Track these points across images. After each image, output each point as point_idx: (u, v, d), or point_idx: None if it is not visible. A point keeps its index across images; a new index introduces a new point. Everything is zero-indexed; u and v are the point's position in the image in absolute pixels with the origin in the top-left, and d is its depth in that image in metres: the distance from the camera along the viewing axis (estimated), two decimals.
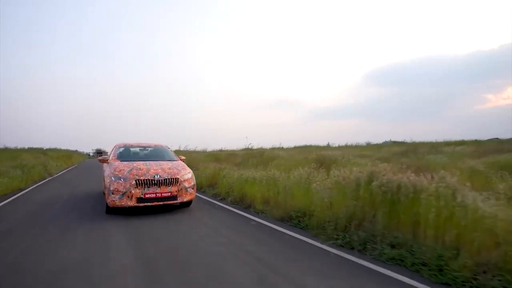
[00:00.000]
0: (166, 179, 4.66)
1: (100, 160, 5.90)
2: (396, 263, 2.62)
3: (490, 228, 2.35)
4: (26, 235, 3.65)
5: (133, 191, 4.44)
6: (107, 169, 5.15)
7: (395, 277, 2.38)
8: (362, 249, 2.96)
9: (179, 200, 4.76)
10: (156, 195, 4.55)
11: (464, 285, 2.17)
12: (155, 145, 6.44)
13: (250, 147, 12.92)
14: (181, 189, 4.77)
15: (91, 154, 26.10)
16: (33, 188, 8.03)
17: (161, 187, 4.61)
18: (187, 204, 5.19)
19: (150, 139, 6.85)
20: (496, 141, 16.94)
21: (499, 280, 2.09)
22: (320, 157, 8.45)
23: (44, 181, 9.88)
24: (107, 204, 4.62)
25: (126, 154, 5.85)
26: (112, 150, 6.15)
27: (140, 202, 4.48)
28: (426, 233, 2.76)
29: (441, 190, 2.78)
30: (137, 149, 6.26)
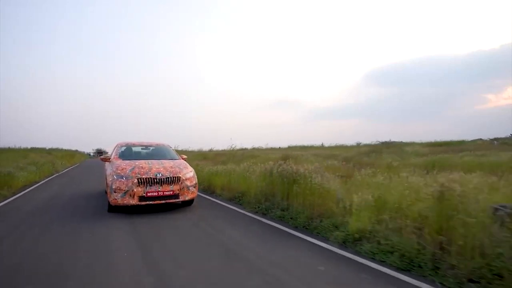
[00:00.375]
0: (168, 177, 4.66)
1: (102, 159, 5.90)
2: (280, 219, 4.35)
3: (323, 194, 4.15)
4: (51, 209, 5.23)
5: (135, 190, 4.44)
6: (109, 168, 5.16)
7: (274, 225, 4.13)
8: (265, 213, 4.71)
9: (181, 198, 4.77)
10: (158, 193, 4.55)
11: (304, 226, 3.90)
12: (157, 144, 6.44)
13: (233, 147, 14.18)
14: (183, 188, 4.77)
15: (91, 154, 26.83)
16: (46, 181, 9.55)
17: (163, 186, 4.61)
18: (189, 202, 5.19)
19: (150, 139, 6.86)
20: (473, 142, 18.60)
21: (321, 222, 3.78)
22: (284, 156, 10.04)
23: (53, 176, 11.20)
24: (109, 202, 4.62)
25: (128, 153, 5.86)
26: (114, 149, 6.15)
27: (142, 201, 4.49)
28: (298, 201, 4.45)
29: (307, 174, 4.52)
30: (139, 148, 6.27)
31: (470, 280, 2.21)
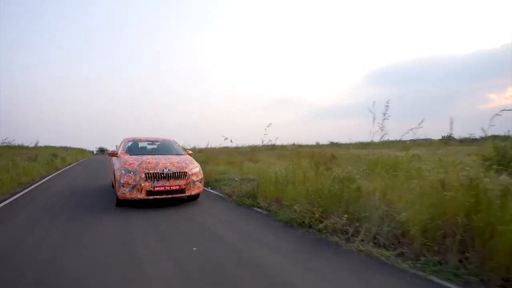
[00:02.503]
0: (175, 172, 4.74)
1: (109, 154, 6.00)
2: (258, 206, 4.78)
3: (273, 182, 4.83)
4: (79, 179, 8.80)
5: (142, 184, 4.53)
6: (116, 163, 5.24)
7: (250, 211, 4.71)
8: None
9: (187, 193, 4.85)
10: (165, 188, 4.64)
11: (266, 208, 4.55)
12: (163, 139, 6.52)
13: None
14: (189, 183, 4.85)
15: (94, 152, 29.68)
16: (77, 163, 18.03)
17: (170, 181, 4.69)
18: (195, 197, 5.28)
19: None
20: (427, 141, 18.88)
21: (275, 205, 4.47)
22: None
23: (78, 161, 19.69)
24: (117, 197, 4.72)
25: (135, 148, 5.95)
26: (121, 144, 6.23)
27: (149, 195, 4.57)
28: (267, 193, 4.87)
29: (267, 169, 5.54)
30: (145, 143, 6.35)
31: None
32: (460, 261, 2.31)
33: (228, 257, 2.66)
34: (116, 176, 4.87)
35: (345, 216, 3.22)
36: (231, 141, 7.32)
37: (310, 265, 2.49)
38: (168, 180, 4.68)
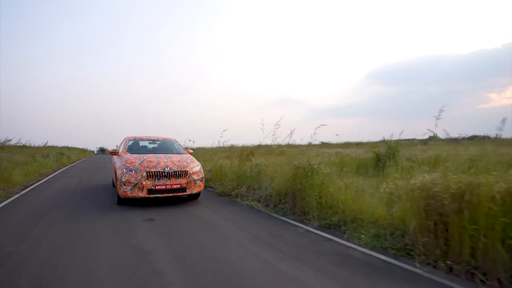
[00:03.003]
0: (176, 171, 4.77)
1: (110, 153, 6.01)
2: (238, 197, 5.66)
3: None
4: (83, 172, 11.17)
5: (144, 183, 4.56)
6: (118, 162, 5.27)
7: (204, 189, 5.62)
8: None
9: (188, 192, 4.88)
10: (166, 187, 4.67)
11: (211, 186, 6.71)
12: (164, 138, 6.54)
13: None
14: (190, 181, 4.88)
15: (95, 151, 31.01)
16: (81, 160, 20.27)
17: (171, 179, 4.72)
18: (196, 196, 5.31)
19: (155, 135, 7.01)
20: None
21: (217, 184, 6.67)
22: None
23: (83, 159, 21.65)
24: (118, 195, 4.75)
25: (136, 147, 5.98)
26: (122, 143, 6.25)
27: (151, 194, 4.60)
28: (215, 178, 6.82)
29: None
30: (146, 142, 6.38)
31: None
32: (292, 208, 4.48)
33: (182, 213, 4.46)
34: (117, 175, 4.89)
35: (245, 187, 5.68)
36: (194, 142, 9.04)
37: (220, 211, 4.71)
38: (169, 178, 4.71)
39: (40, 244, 2.99)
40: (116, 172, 5.13)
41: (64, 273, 2.32)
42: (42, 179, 8.62)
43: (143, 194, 4.56)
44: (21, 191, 6.40)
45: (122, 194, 4.59)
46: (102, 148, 30.99)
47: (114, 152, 5.83)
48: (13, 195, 5.80)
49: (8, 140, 13.58)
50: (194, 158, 5.66)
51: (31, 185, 7.37)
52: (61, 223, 3.79)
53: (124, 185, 4.57)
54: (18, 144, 15.06)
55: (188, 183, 4.85)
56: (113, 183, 6.10)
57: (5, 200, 5.35)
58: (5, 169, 6.88)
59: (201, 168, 5.37)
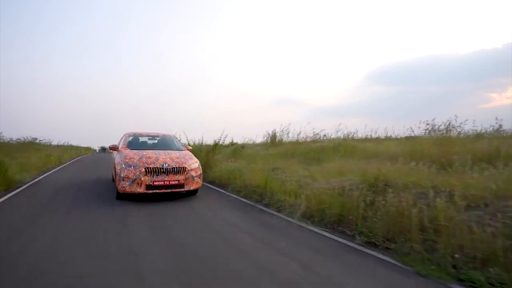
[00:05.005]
0: (174, 167, 4.83)
1: (110, 148, 6.08)
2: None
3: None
4: (88, 163, 14.41)
5: (142, 179, 4.62)
6: (117, 157, 5.33)
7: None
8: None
9: (186, 188, 4.94)
10: (164, 182, 4.72)
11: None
12: (163, 135, 6.59)
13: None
14: (188, 178, 4.93)
15: (97, 150, 32.82)
16: (85, 156, 21.16)
17: (169, 175, 4.78)
18: (194, 192, 5.37)
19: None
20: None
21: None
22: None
23: (87, 155, 22.86)
24: (117, 190, 4.82)
25: (136, 142, 6.03)
26: (122, 139, 6.30)
27: (149, 189, 4.66)
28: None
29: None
30: (146, 138, 6.42)
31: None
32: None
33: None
34: (116, 170, 4.96)
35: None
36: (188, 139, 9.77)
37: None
38: (167, 175, 4.77)
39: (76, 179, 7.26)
40: (115, 168, 5.20)
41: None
42: (60, 165, 12.42)
43: (141, 189, 4.63)
44: (61, 165, 12.33)
45: (121, 189, 4.66)
46: (104, 147, 32.98)
47: (114, 148, 5.89)
48: (59, 166, 11.88)
49: (36, 139, 18.10)
50: (193, 155, 5.72)
51: (66, 162, 13.94)
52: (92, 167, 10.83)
53: (123, 180, 4.63)
54: (26, 140, 16.97)
55: (186, 179, 4.91)
56: (113, 178, 6.17)
57: (58, 166, 11.65)
58: (50, 155, 12.71)
59: (200, 164, 5.43)
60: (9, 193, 5.40)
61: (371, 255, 2.70)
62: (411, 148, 5.69)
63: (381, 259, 2.61)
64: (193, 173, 5.04)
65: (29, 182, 6.83)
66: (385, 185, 3.70)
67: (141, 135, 6.37)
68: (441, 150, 4.94)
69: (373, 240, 2.93)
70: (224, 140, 9.32)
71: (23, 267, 2.29)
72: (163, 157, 5.00)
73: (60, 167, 11.27)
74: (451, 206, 2.71)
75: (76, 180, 7.30)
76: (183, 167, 4.90)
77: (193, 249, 2.79)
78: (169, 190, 4.81)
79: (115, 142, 6.45)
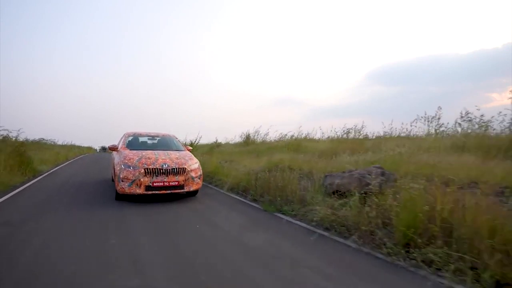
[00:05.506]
0: (174, 168, 4.77)
1: (110, 148, 6.03)
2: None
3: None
4: (90, 159, 16.66)
5: (142, 179, 4.57)
6: (116, 157, 5.28)
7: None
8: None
9: (185, 189, 4.89)
10: (164, 183, 4.67)
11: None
12: (163, 135, 6.54)
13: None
14: (188, 179, 4.88)
15: (97, 150, 33.67)
16: (87, 155, 22.67)
17: (169, 176, 4.73)
18: (193, 193, 5.32)
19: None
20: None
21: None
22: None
23: (88, 154, 24.85)
24: (116, 191, 4.77)
25: (135, 143, 5.97)
26: (122, 139, 6.25)
27: (148, 190, 4.61)
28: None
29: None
30: (146, 138, 6.36)
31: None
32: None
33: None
34: (116, 171, 4.91)
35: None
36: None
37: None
38: (167, 175, 4.72)
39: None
40: (114, 168, 5.16)
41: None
42: (67, 160, 14.77)
43: (141, 190, 4.58)
44: (68, 161, 14.61)
45: (120, 190, 4.61)
46: (104, 147, 34.04)
47: (113, 148, 5.85)
48: (67, 161, 14.19)
49: (43, 139, 20.06)
50: (193, 155, 5.66)
51: (72, 159, 16.23)
52: (94, 162, 13.68)
53: (122, 181, 4.58)
54: (34, 141, 18.45)
55: (186, 180, 4.86)
56: (112, 178, 6.12)
57: (66, 161, 13.99)
58: (58, 153, 15.17)
59: (200, 165, 5.37)
60: (36, 178, 7.67)
61: (250, 204, 5.00)
62: (332, 146, 8.15)
63: (253, 205, 4.90)
64: (193, 174, 4.99)
65: (48, 171, 9.42)
66: (277, 167, 5.88)
67: (141, 135, 6.32)
68: (337, 147, 7.62)
69: (255, 198, 5.22)
70: (199, 139, 12.08)
71: (67, 200, 5.09)
72: (163, 157, 4.95)
73: (68, 162, 13.96)
74: (291, 175, 4.96)
75: (83, 170, 10.24)
76: (183, 168, 4.85)
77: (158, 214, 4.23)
78: (169, 191, 4.77)
79: (115, 142, 6.40)
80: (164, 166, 4.72)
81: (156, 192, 4.67)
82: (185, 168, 4.88)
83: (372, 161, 5.19)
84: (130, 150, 5.40)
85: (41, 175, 8.25)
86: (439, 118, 6.56)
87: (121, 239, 3.00)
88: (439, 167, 4.03)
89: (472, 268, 2.15)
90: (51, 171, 9.53)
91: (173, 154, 5.25)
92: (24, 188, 6.05)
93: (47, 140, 20.24)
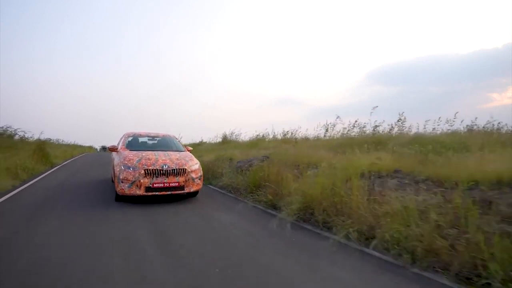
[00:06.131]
0: (174, 169, 4.73)
1: (109, 149, 5.99)
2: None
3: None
4: (92, 157, 17.96)
5: (142, 181, 4.53)
6: (116, 158, 5.23)
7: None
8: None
9: (186, 190, 4.84)
10: (164, 185, 4.63)
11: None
12: (163, 135, 6.50)
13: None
14: (188, 180, 4.84)
15: (98, 149, 34.16)
16: (87, 154, 22.95)
17: (169, 177, 4.68)
18: (194, 194, 5.27)
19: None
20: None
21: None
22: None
23: (90, 153, 25.47)
24: (116, 192, 4.73)
25: (135, 143, 5.92)
26: (121, 139, 6.21)
27: (149, 191, 4.57)
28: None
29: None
30: (146, 139, 6.31)
31: None
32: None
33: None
34: (115, 172, 4.87)
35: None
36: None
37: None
38: (167, 176, 4.68)
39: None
40: (114, 169, 5.11)
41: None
42: (72, 157, 16.66)
43: (140, 192, 4.54)
44: (74, 157, 16.59)
45: (120, 191, 4.57)
46: (104, 147, 34.79)
47: (113, 149, 5.80)
48: (73, 158, 16.23)
49: (50, 139, 21.41)
50: (193, 156, 5.62)
51: (76, 156, 18.04)
52: (96, 160, 15.10)
53: (122, 182, 4.54)
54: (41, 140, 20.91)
55: (186, 181, 4.82)
56: (112, 179, 6.08)
57: (72, 158, 16.21)
58: (65, 151, 17.57)
59: (200, 166, 5.33)
60: (53, 168, 10.36)
61: (225, 194, 6.08)
62: (276, 144, 9.73)
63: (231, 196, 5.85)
64: (193, 175, 4.95)
65: (61, 164, 12.30)
66: (230, 159, 8.16)
67: (141, 135, 6.27)
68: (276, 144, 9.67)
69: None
70: (180, 139, 13.69)
71: (79, 179, 7.46)
72: (163, 158, 4.91)
73: (74, 158, 16.60)
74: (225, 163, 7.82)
75: (88, 163, 13.10)
76: (183, 169, 4.81)
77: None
78: (169, 192, 4.72)
79: (115, 142, 6.37)
80: (164, 167, 4.68)
81: (156, 193, 4.63)
82: (186, 169, 4.83)
83: (270, 153, 7.33)
84: (130, 150, 5.35)
85: (56, 166, 11.12)
86: (334, 126, 9.02)
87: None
88: (303, 157, 5.76)
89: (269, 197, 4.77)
90: (63, 164, 12.53)
91: (173, 155, 5.20)
92: (49, 173, 8.90)
93: (53, 140, 22.48)
